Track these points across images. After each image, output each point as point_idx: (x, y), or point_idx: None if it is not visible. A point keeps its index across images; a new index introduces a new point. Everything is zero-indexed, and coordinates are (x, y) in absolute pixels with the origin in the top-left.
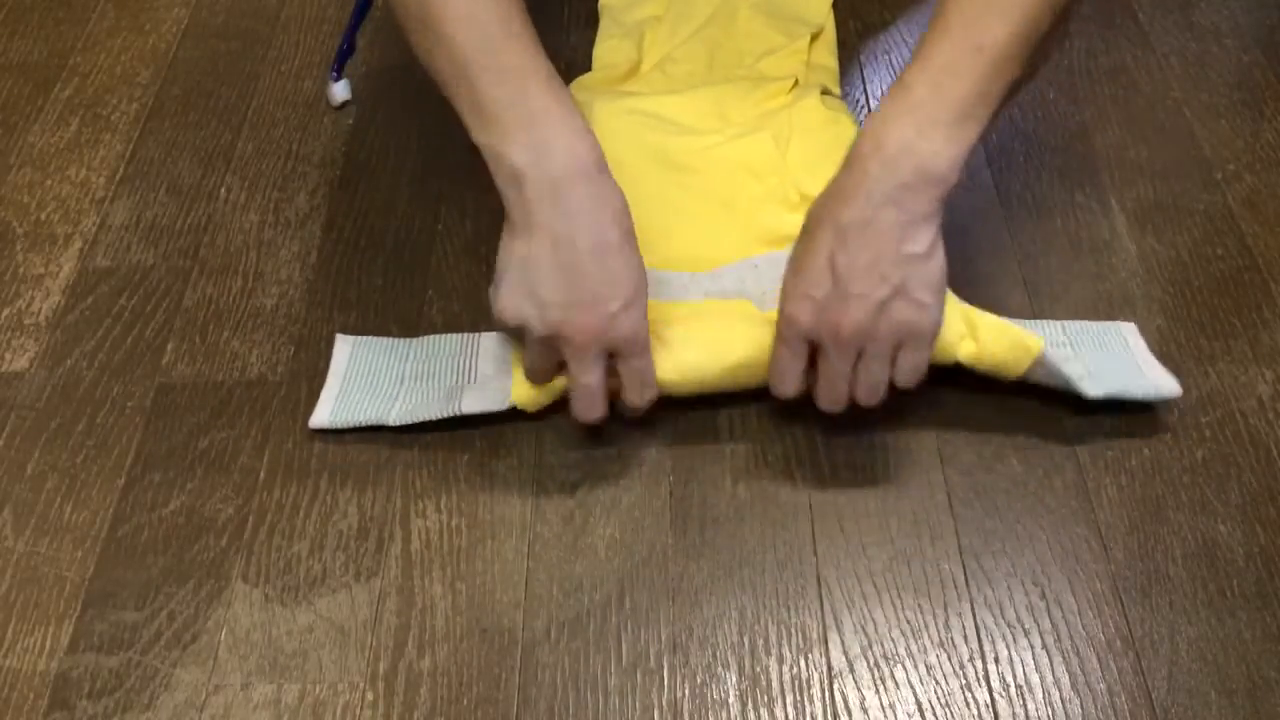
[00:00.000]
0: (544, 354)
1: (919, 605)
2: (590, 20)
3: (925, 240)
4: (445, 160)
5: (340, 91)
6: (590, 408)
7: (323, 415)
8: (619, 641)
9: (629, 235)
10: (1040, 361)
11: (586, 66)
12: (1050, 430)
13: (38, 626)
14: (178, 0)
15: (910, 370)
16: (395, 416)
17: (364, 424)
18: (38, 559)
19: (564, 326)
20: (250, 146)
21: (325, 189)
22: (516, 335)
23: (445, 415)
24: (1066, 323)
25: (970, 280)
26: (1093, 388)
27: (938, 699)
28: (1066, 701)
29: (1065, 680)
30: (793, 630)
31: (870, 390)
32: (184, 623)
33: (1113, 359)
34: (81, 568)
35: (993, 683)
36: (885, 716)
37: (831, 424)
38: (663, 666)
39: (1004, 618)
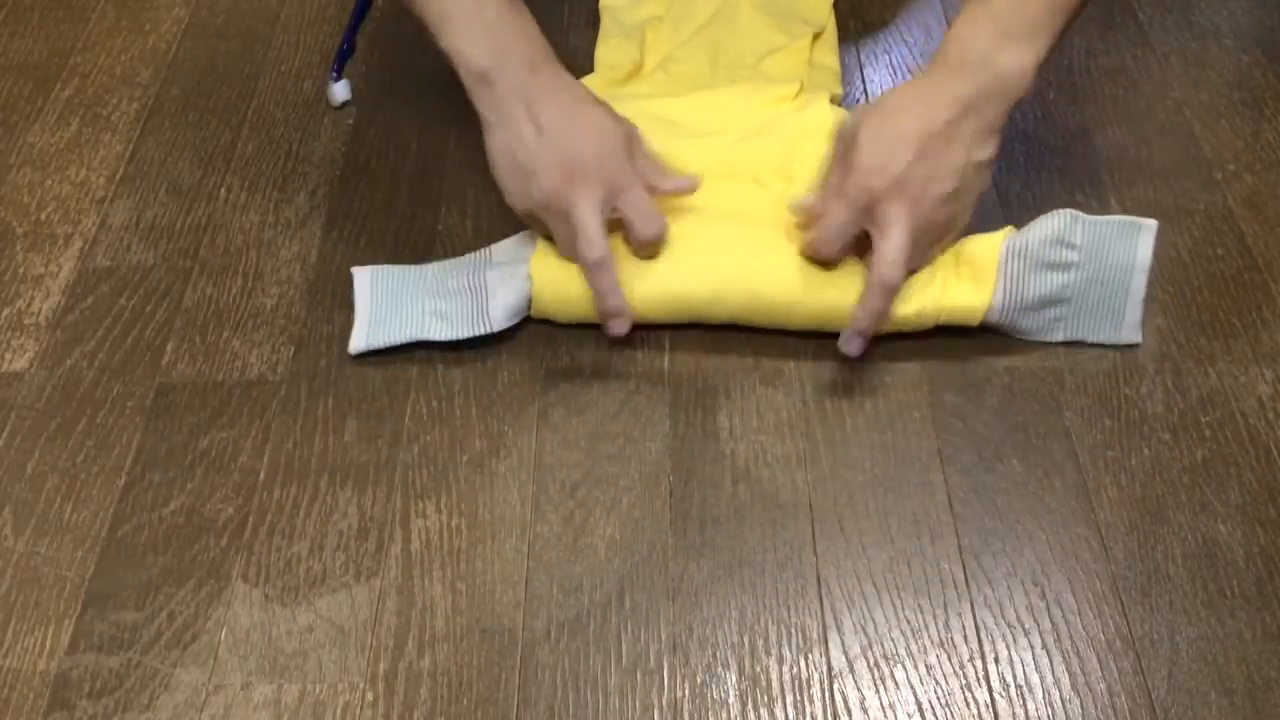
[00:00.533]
0: (560, 226)
1: (919, 605)
2: (591, 21)
3: (991, 149)
4: (445, 160)
5: (340, 92)
6: (590, 247)
7: (359, 340)
8: (619, 641)
9: (595, 98)
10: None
11: (588, 68)
12: (1050, 430)
13: (38, 626)
14: (178, 0)
15: (929, 259)
16: (434, 331)
17: (400, 342)
18: (38, 559)
19: (559, 186)
20: (250, 146)
21: (325, 189)
22: (538, 226)
23: (479, 329)
24: (1086, 220)
25: None
26: (1055, 331)
27: (938, 699)
28: (1066, 701)
29: (1065, 680)
30: (793, 630)
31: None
32: (184, 623)
33: (1103, 297)
34: (81, 568)
35: (993, 683)
36: (885, 716)
37: (832, 423)
38: (663, 666)
39: (1004, 618)
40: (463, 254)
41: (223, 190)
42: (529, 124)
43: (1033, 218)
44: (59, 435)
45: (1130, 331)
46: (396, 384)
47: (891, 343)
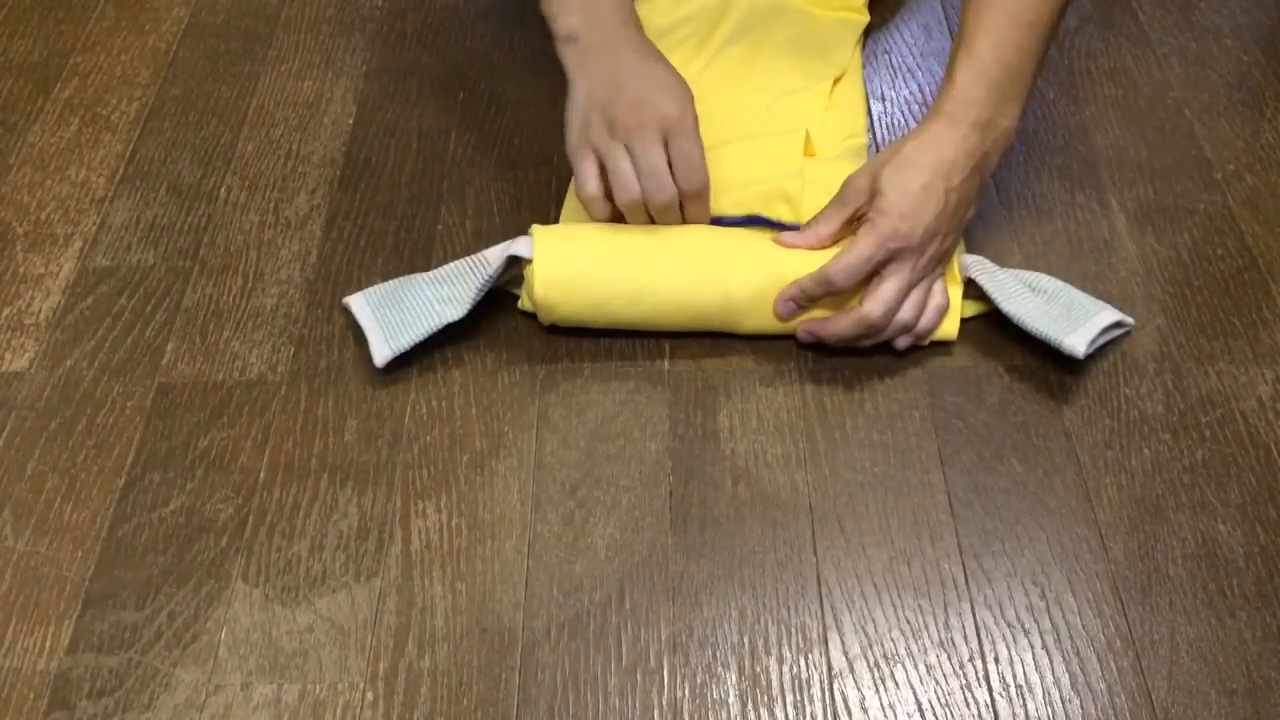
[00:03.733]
0: (594, 164)
1: (919, 605)
2: None
3: (978, 184)
4: (445, 160)
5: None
6: (660, 187)
7: (383, 351)
8: (619, 641)
9: (670, 64)
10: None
11: None
12: (1050, 430)
13: (38, 626)
14: (178, 0)
15: (937, 304)
16: (447, 315)
17: (423, 338)
18: (38, 559)
19: (620, 115)
20: (250, 146)
21: (325, 189)
22: (589, 167)
23: (483, 284)
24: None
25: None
26: (1023, 317)
27: (938, 699)
28: (1066, 701)
29: (1065, 680)
30: (793, 630)
31: (914, 310)
32: (184, 623)
33: (1050, 303)
34: (81, 568)
35: (993, 683)
36: (885, 716)
37: (832, 423)
38: (663, 666)
39: (1004, 618)
40: (461, 254)
41: (223, 190)
42: (604, 76)
43: (1033, 217)
44: (59, 435)
45: (1077, 341)
46: (396, 384)
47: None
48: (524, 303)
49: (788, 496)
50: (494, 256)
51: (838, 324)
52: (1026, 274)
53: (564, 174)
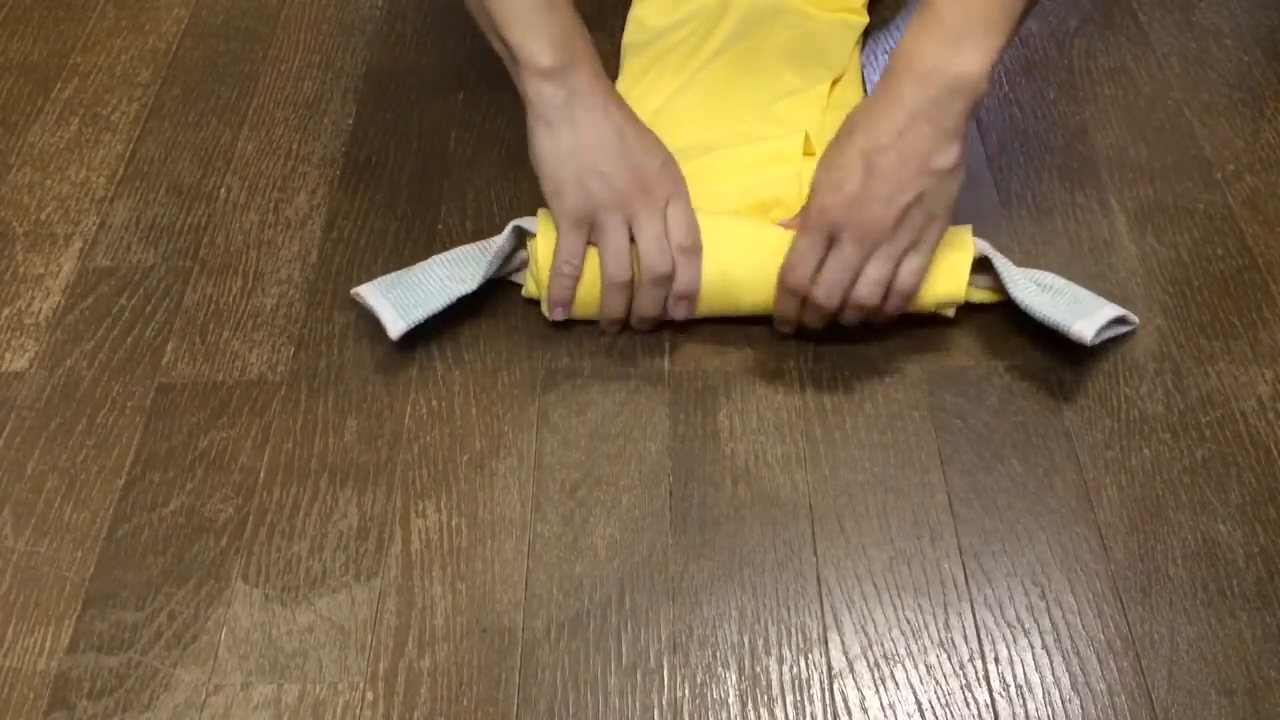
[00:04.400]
0: (583, 240)
1: (919, 605)
2: (611, 56)
3: (952, 156)
4: (445, 160)
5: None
6: (661, 256)
7: (397, 324)
8: (619, 641)
9: (634, 115)
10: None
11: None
12: (1050, 430)
13: (38, 626)
14: (178, 0)
15: (910, 273)
16: (456, 291)
17: (436, 310)
18: (38, 559)
19: (629, 190)
20: (250, 146)
21: (325, 189)
22: (572, 235)
23: (492, 259)
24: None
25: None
26: (1032, 303)
27: (938, 699)
28: (1066, 701)
29: (1065, 680)
30: (793, 630)
31: (871, 288)
32: (184, 623)
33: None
34: (81, 568)
35: (993, 683)
36: (885, 716)
37: (831, 423)
38: (663, 666)
39: (1004, 618)
40: None
41: (223, 190)
42: (597, 133)
43: (1033, 217)
44: (59, 435)
45: (1085, 328)
46: (396, 384)
47: (891, 342)
48: (528, 288)
49: (788, 496)
50: (501, 236)
51: (805, 316)
52: (1033, 272)
53: None
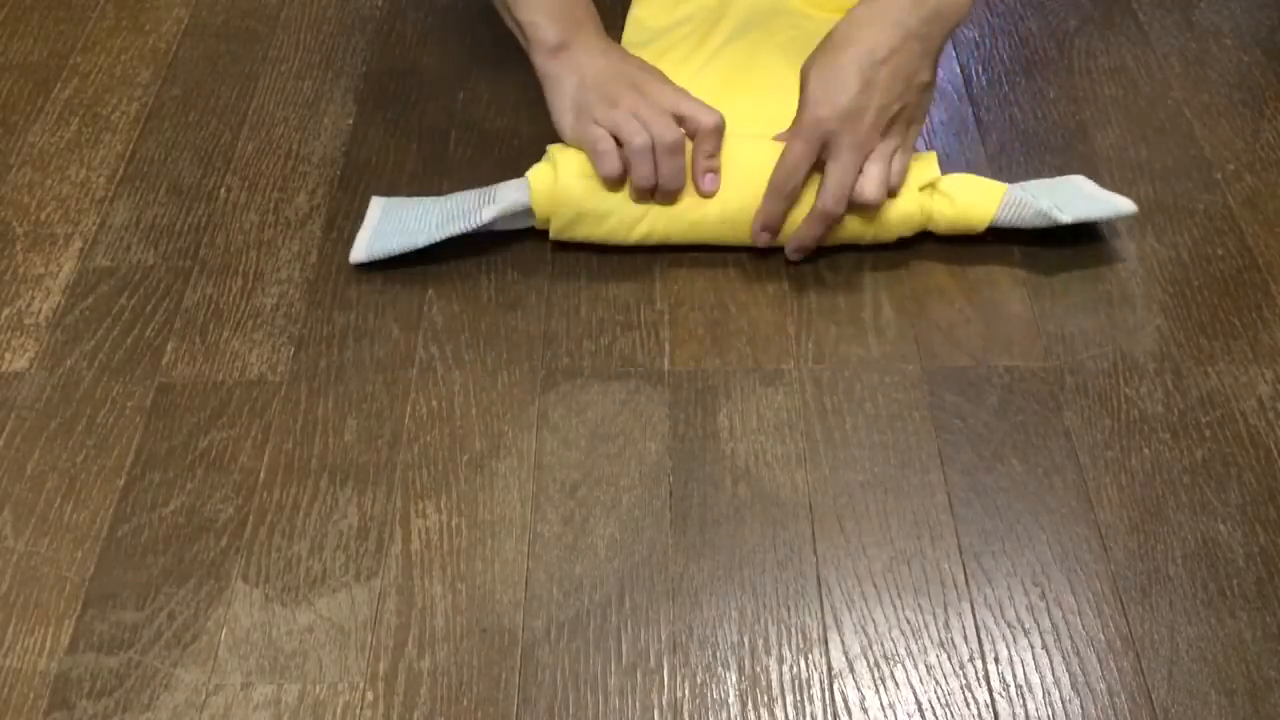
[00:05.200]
0: (604, 132)
1: (919, 605)
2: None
3: (931, 71)
4: (445, 160)
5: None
6: (669, 128)
7: (360, 251)
8: (619, 641)
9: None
10: (1008, 202)
11: None
12: (1050, 430)
13: (38, 626)
14: (178, 0)
15: (897, 173)
16: (425, 239)
17: (398, 251)
18: (38, 559)
19: (621, 94)
20: (250, 146)
21: (325, 189)
22: (588, 131)
23: (470, 227)
24: (1023, 183)
25: (970, 281)
26: (1063, 215)
27: (938, 699)
28: (1066, 701)
29: (1065, 680)
30: (793, 630)
31: (876, 187)
32: (184, 623)
33: (1071, 191)
34: (81, 568)
35: (993, 683)
36: (885, 716)
37: (831, 423)
38: (663, 666)
39: (1004, 618)
40: (462, 255)
41: (223, 190)
42: (601, 63)
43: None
44: (59, 435)
45: (1121, 204)
46: (396, 384)
47: (892, 342)
48: (536, 193)
49: (788, 496)
50: (509, 185)
51: (808, 229)
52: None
53: None
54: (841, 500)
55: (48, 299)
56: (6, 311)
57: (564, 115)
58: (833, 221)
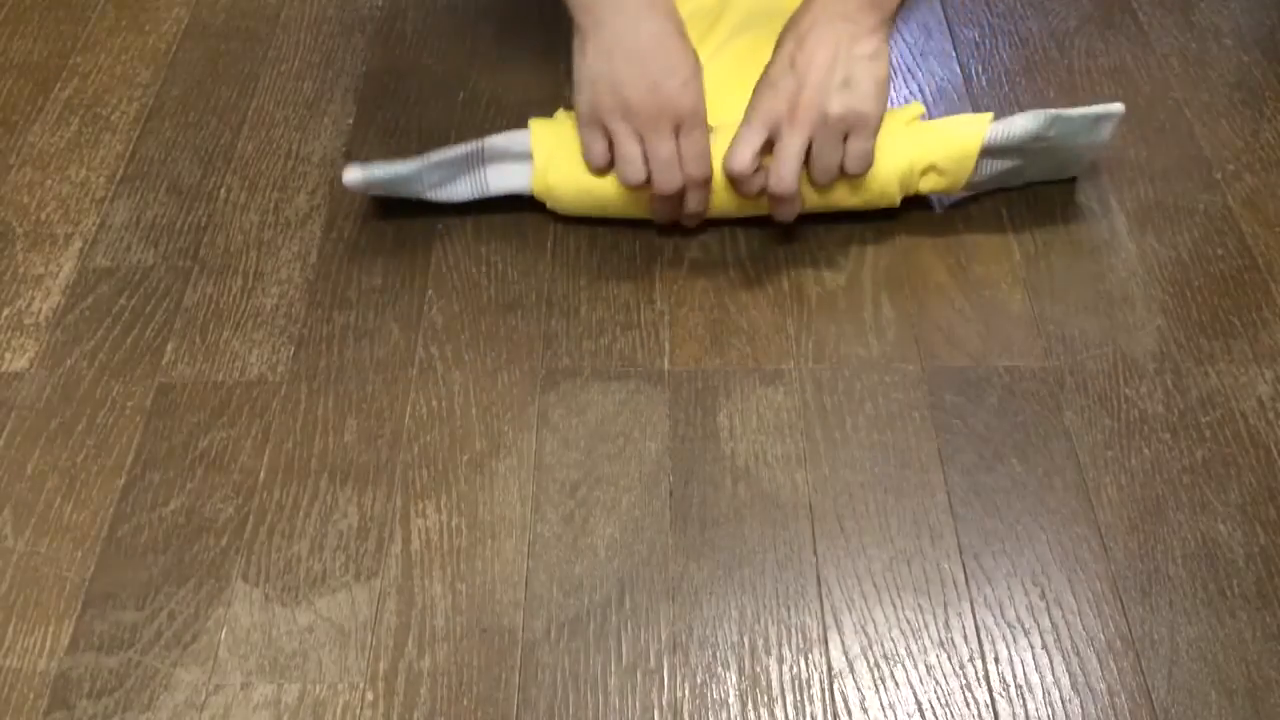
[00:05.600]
0: (602, 140)
1: (919, 605)
2: None
3: (871, 45)
4: None
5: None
6: (670, 178)
7: (356, 174)
8: (619, 641)
9: (680, 26)
10: (995, 126)
11: None
12: (1050, 430)
13: (38, 626)
14: (178, 0)
15: (857, 156)
16: (429, 190)
17: (396, 179)
18: (38, 559)
19: (634, 99)
20: (250, 146)
21: (325, 189)
22: (590, 129)
23: (474, 195)
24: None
25: (970, 282)
26: (1052, 112)
27: (938, 699)
28: (1066, 701)
29: (1065, 680)
30: (793, 630)
31: (824, 171)
32: (184, 623)
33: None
34: (81, 568)
35: (993, 683)
36: (885, 716)
37: (832, 423)
38: (663, 666)
39: (1004, 618)
40: (461, 254)
41: (223, 190)
42: (622, 46)
43: (1033, 218)
44: (59, 435)
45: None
46: (396, 384)
47: (892, 342)
48: (535, 166)
49: (788, 496)
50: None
51: (776, 210)
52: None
53: None
54: (841, 500)
55: (48, 299)
56: (6, 311)
57: (579, 89)
58: (790, 202)
